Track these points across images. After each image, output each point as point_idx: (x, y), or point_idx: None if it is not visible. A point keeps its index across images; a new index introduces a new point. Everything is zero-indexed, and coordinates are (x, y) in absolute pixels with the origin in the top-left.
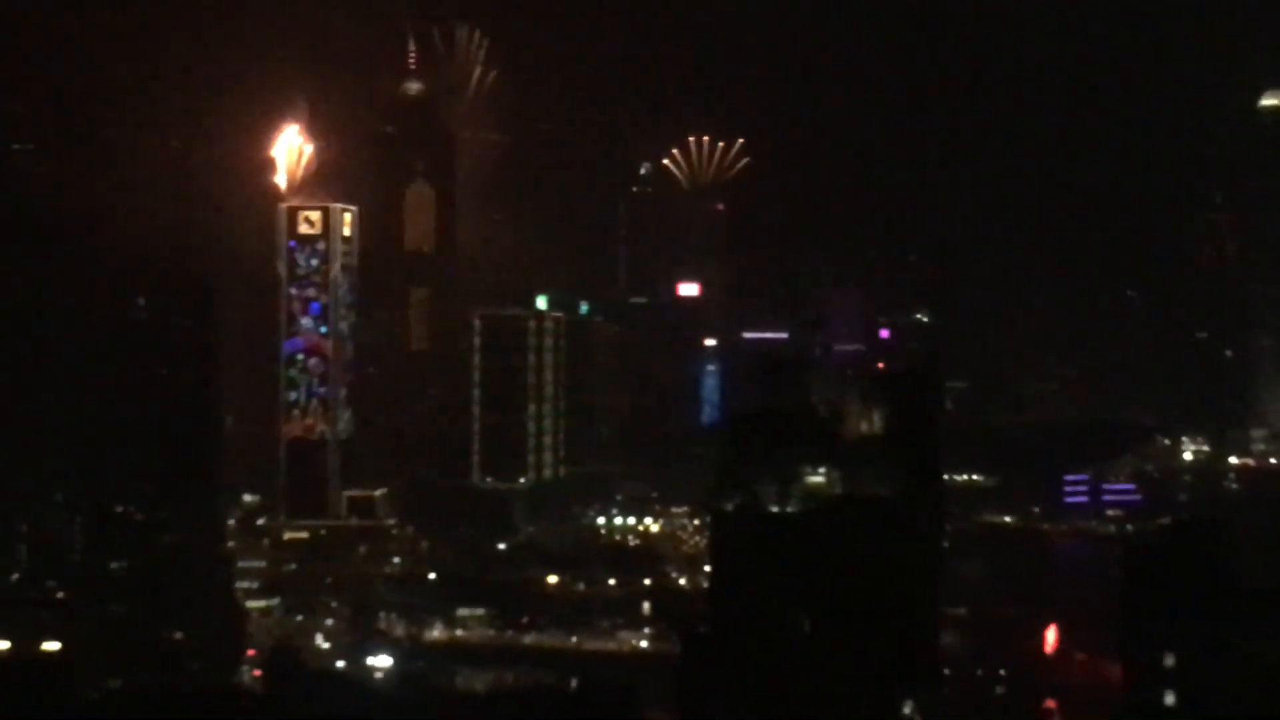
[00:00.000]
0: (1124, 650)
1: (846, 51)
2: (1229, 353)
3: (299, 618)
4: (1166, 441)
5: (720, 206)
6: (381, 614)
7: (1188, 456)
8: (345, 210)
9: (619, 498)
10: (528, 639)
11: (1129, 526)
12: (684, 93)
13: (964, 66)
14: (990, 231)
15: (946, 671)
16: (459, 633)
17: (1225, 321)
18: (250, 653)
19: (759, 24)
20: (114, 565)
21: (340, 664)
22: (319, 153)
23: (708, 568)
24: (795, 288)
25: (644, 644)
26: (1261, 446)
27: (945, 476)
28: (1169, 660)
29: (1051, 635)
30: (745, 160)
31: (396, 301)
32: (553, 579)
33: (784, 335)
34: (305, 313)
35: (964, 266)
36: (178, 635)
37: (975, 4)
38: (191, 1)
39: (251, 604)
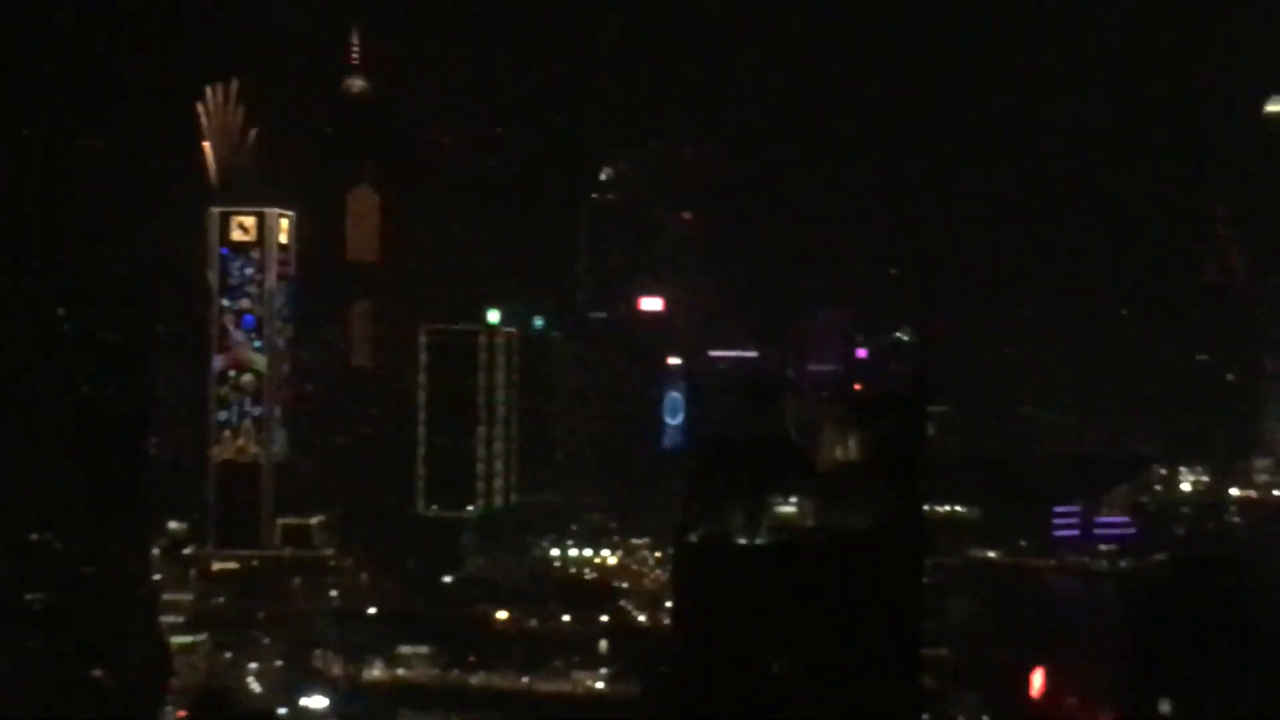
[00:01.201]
0: (1117, 696)
1: (827, 52)
2: (1231, 376)
3: (228, 655)
4: (1164, 471)
5: (687, 216)
6: (318, 651)
7: (1186, 487)
8: (282, 215)
9: (575, 528)
10: (475, 679)
11: (1123, 563)
12: (652, 95)
13: (955, 72)
14: (978, 245)
15: (926, 717)
16: (401, 672)
17: (1228, 343)
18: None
19: (734, 24)
20: (30, 598)
21: (273, 706)
22: (255, 153)
23: (670, 604)
24: (767, 304)
25: (601, 685)
26: (1265, 477)
27: (927, 507)
28: (1165, 707)
29: (1039, 679)
30: (716, 167)
31: (337, 315)
32: (503, 615)
33: (754, 354)
34: (238, 326)
35: (949, 282)
36: (98, 673)
37: (966, 8)
38: None
39: (177, 640)
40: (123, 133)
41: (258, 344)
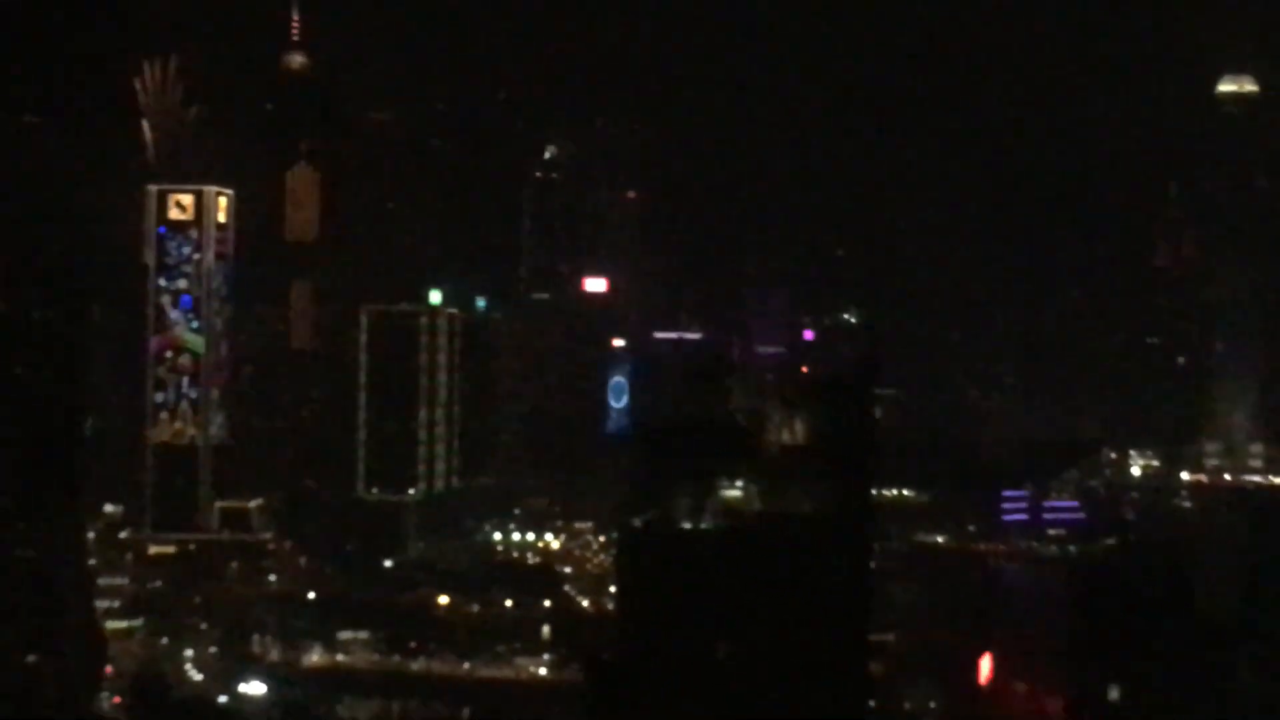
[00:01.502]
0: (1066, 682)
1: (774, 32)
2: (1182, 360)
3: (165, 640)
4: (1113, 455)
5: (632, 196)
6: (256, 637)
7: (1136, 471)
8: (220, 194)
9: (518, 512)
10: (416, 665)
11: (1072, 548)
12: (598, 73)
13: (905, 50)
14: (926, 226)
15: (873, 704)
16: (341, 658)
17: (1180, 326)
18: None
19: (681, 4)
20: None
21: (211, 692)
22: (193, 130)
23: (614, 589)
24: (713, 285)
25: (543, 671)
26: (1216, 461)
27: (874, 492)
28: (1114, 694)
29: (987, 665)
30: (662, 147)
31: (277, 295)
32: (444, 600)
33: (700, 336)
34: (175, 306)
35: (897, 264)
36: (32, 659)
37: None
38: None
39: (113, 625)
40: (57, 110)
41: (195, 324)
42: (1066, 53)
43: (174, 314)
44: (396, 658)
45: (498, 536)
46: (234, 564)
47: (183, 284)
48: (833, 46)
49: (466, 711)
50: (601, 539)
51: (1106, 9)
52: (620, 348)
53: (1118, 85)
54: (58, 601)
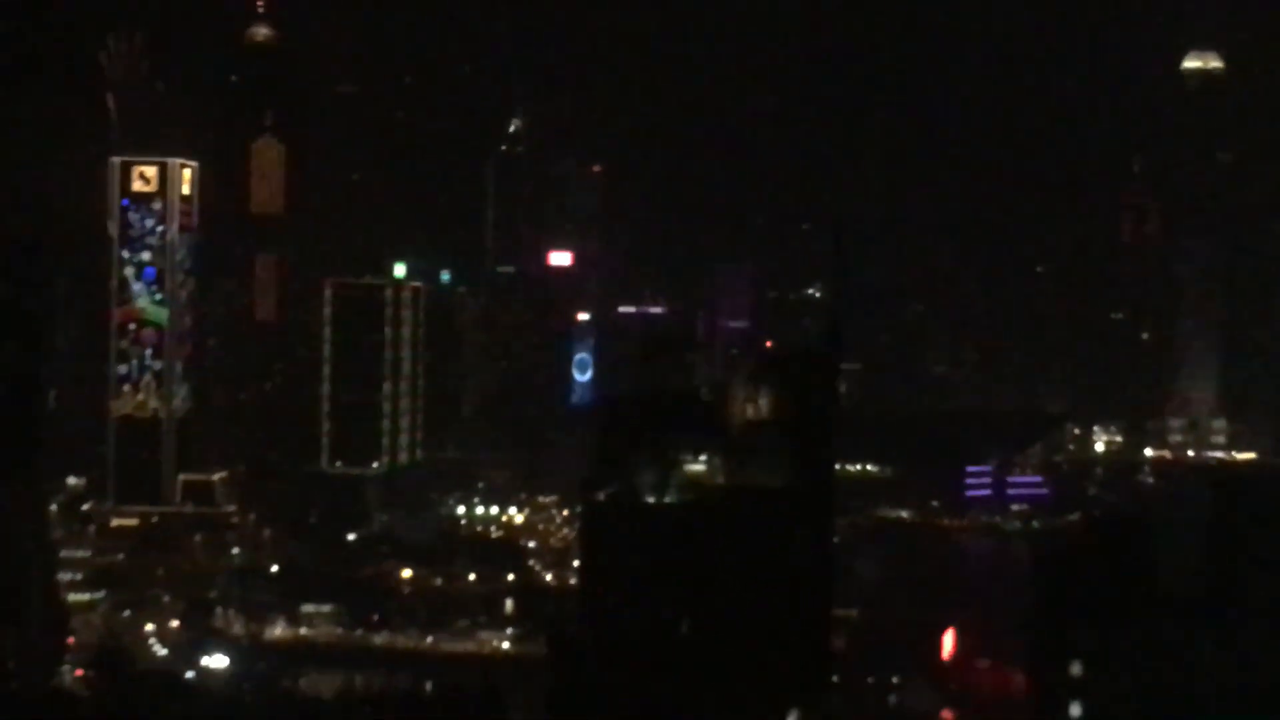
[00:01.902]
0: (1028, 658)
1: (740, 8)
2: (1146, 335)
3: (128, 613)
4: (1077, 431)
5: (597, 169)
6: (219, 610)
7: (1100, 447)
8: (185, 166)
9: (481, 485)
10: (379, 639)
11: (1035, 523)
12: (562, 46)
13: (864, 28)
14: (892, 201)
15: (835, 679)
16: (304, 631)
17: (1144, 302)
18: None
19: None
20: None
21: (173, 665)
22: (157, 102)
23: (577, 563)
24: (677, 259)
25: (506, 645)
26: (1179, 437)
27: (838, 466)
28: (1076, 669)
29: (949, 640)
30: (626, 120)
31: (241, 268)
32: (408, 573)
33: (664, 310)
34: (139, 278)
35: (862, 238)
36: None
37: None
38: None
39: (75, 598)
40: (18, 81)
41: (159, 297)
42: (1032, 29)
43: (137, 286)
44: (360, 631)
45: (461, 510)
46: (197, 537)
47: (146, 256)
48: (795, 19)
49: (429, 685)
50: (565, 513)
51: None
52: (584, 321)
53: (1083, 61)
54: (19, 574)
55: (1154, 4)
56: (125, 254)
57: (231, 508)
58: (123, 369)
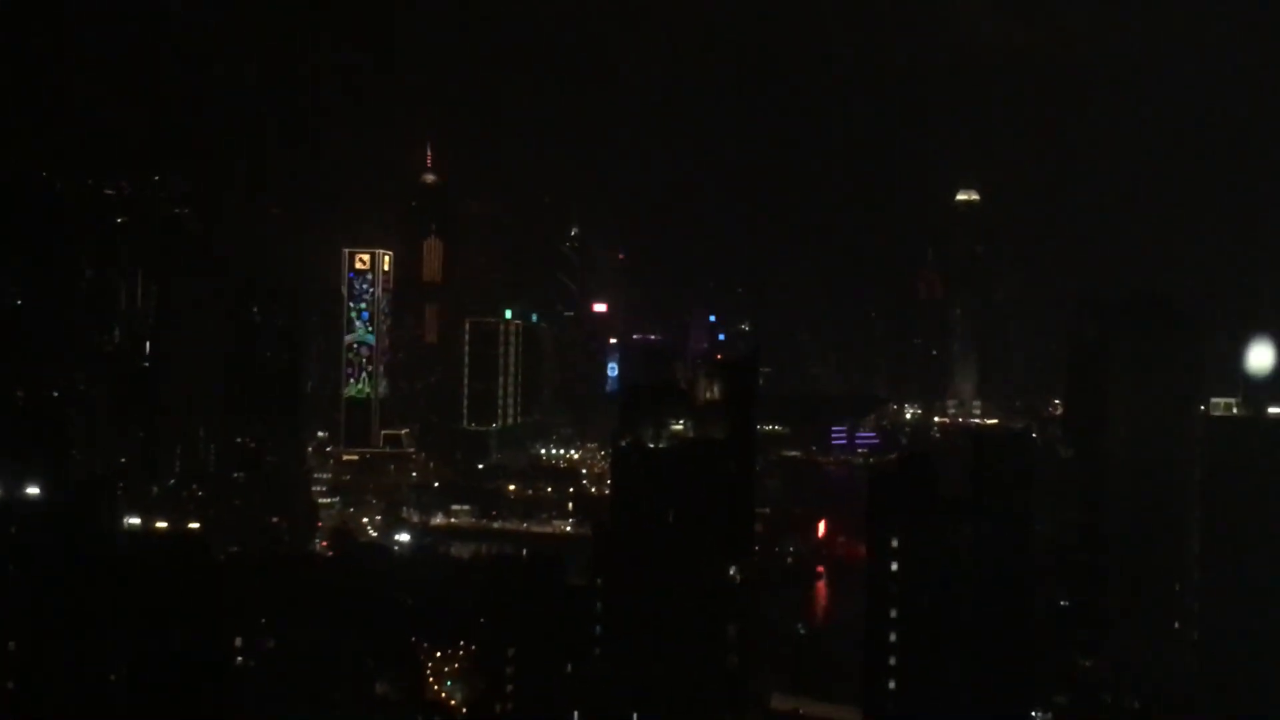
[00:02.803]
0: (867, 535)
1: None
2: (934, 352)
3: (351, 510)
4: (894, 407)
5: (621, 256)
6: (404, 509)
7: (908, 416)
8: (385, 254)
9: (554, 437)
10: (496, 525)
11: (871, 459)
12: (597, 188)
13: (770, 164)
14: (789, 273)
15: (756, 547)
16: (453, 521)
17: (932, 333)
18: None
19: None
20: (235, 475)
21: (378, 539)
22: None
23: (609, 481)
24: (667, 307)
25: (569, 529)
26: (952, 410)
27: (757, 426)
28: (895, 542)
29: (822, 526)
30: (636, 230)
31: (416, 312)
32: (512, 487)
33: (659, 338)
34: (359, 318)
35: (772, 295)
36: (275, 519)
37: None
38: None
39: (322, 501)
40: (293, 202)
41: (369, 329)
42: (867, 176)
43: (357, 323)
44: (484, 520)
45: (542, 451)
46: (392, 466)
47: (363, 305)
48: (737, 163)
49: (525, 551)
50: (603, 453)
51: (892, 152)
52: (613, 343)
53: (902, 191)
54: (289, 486)
55: (944, 162)
56: (350, 304)
57: (411, 449)
58: (349, 370)
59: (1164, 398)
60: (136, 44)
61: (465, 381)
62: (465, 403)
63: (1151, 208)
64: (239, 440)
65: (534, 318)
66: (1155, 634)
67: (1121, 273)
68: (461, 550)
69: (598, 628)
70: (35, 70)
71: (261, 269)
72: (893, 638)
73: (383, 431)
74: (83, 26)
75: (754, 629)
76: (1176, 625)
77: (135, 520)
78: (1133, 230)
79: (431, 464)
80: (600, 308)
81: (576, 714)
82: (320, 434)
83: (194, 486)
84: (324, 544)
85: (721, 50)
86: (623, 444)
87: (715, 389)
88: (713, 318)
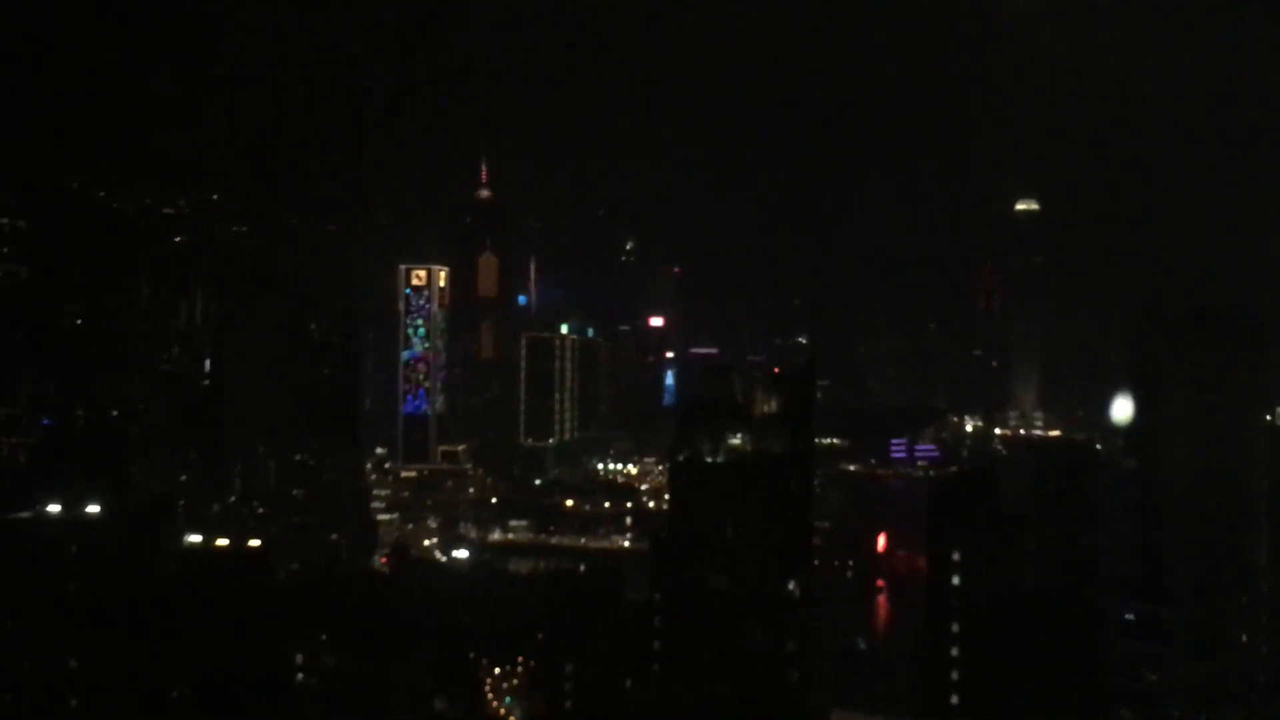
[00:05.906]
0: (927, 550)
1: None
2: (995, 364)
3: (410, 526)
4: (954, 419)
5: (676, 270)
6: (462, 524)
7: (968, 429)
8: (441, 270)
9: (612, 452)
10: (554, 540)
11: (931, 472)
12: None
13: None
14: (848, 287)
15: (816, 561)
16: (511, 536)
17: (992, 345)
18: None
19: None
20: (295, 492)
21: (435, 555)
22: (429, 235)
23: (667, 496)
24: (723, 320)
25: (626, 544)
26: (1014, 422)
27: (815, 440)
28: (956, 555)
29: (882, 540)
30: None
31: (472, 327)
32: (570, 502)
33: (716, 351)
34: (416, 334)
35: (830, 308)
36: (334, 536)
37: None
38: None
39: (380, 517)
40: (353, 220)
41: (427, 344)
42: (932, 189)
43: (415, 338)
44: (542, 535)
45: (600, 466)
46: (449, 482)
47: (420, 321)
48: (805, 180)
49: (583, 566)
50: (661, 467)
51: (956, 162)
52: (670, 357)
53: (963, 204)
54: (348, 502)
55: (1003, 172)
56: (408, 320)
57: (469, 465)
58: (406, 386)
59: (1229, 407)
60: (194, 64)
61: (522, 397)
62: (522, 418)
63: (1213, 215)
64: (298, 458)
65: (590, 332)
66: (1223, 648)
67: (1183, 281)
68: (519, 566)
69: (656, 643)
70: (95, 89)
71: (319, 287)
72: (954, 652)
73: (440, 448)
74: (142, 47)
75: (813, 644)
76: (1244, 639)
77: (196, 538)
78: (1195, 238)
79: (489, 480)
80: (657, 321)
81: None
82: (379, 450)
83: (254, 504)
84: (383, 560)
85: (779, 64)
86: (680, 458)
87: (773, 402)
88: (770, 332)
